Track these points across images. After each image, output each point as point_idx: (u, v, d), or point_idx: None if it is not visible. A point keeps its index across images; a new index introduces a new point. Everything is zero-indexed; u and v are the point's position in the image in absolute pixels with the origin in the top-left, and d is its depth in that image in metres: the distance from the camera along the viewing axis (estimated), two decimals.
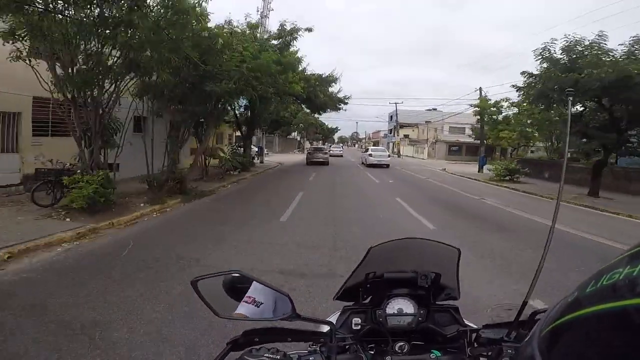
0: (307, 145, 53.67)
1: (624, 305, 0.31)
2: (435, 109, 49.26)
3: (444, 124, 42.86)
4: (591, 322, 0.35)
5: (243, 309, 0.86)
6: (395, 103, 47.71)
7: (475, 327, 0.94)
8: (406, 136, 52.90)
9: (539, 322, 0.45)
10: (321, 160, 24.65)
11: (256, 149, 25.54)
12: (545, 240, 0.83)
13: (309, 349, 0.89)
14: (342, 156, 37.74)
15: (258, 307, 0.86)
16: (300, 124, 43.88)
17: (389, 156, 26.65)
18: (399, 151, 46.78)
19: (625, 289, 0.32)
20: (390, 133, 61.06)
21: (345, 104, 24.06)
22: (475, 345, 0.88)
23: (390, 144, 57.94)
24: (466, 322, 1.00)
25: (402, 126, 51.54)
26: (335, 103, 23.42)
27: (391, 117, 59.02)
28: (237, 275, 0.87)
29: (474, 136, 32.89)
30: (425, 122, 45.99)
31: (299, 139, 57.04)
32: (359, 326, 0.95)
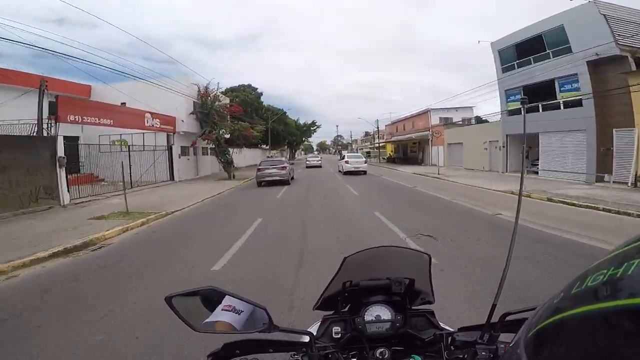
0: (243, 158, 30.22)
1: (607, 307, 0.31)
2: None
3: None
4: (576, 324, 0.34)
5: (224, 316, 0.83)
6: None
7: (451, 330, 0.96)
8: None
9: (526, 324, 0.44)
10: (277, 178, 16.06)
11: None
12: (510, 243, 0.83)
13: (290, 359, 0.89)
14: (320, 166, 34.71)
15: (239, 314, 0.84)
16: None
17: (365, 162, 23.52)
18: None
19: (609, 290, 0.32)
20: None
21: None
22: (452, 348, 0.90)
23: None
24: (442, 325, 1.02)
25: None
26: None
27: None
28: (211, 289, 0.86)
29: None
30: None
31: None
32: (340, 335, 0.96)
